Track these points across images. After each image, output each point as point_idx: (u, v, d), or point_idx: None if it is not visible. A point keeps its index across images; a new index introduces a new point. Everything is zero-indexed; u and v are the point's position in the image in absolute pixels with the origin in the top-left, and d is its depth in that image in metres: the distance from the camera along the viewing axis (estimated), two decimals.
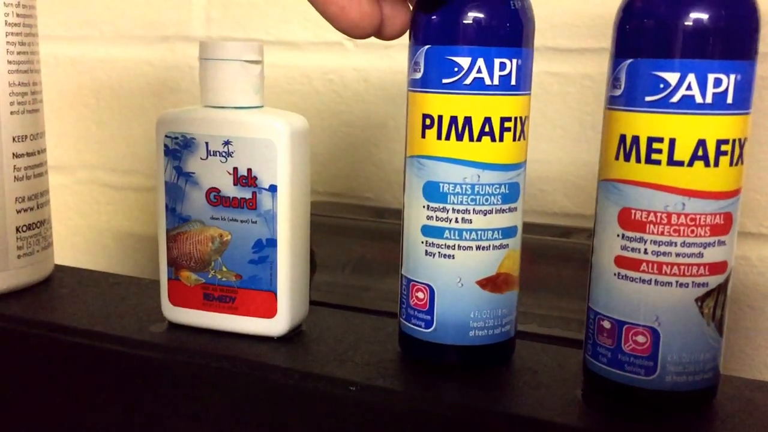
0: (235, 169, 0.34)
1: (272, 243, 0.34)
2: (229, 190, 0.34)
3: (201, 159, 0.34)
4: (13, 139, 0.38)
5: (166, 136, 0.34)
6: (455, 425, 0.30)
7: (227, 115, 0.34)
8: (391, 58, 0.57)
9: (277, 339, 0.35)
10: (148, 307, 0.38)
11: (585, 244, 0.47)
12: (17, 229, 0.38)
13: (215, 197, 0.34)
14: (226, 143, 0.33)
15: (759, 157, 0.48)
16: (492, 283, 0.32)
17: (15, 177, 0.38)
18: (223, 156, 0.33)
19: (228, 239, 0.34)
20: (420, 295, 0.32)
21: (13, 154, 0.38)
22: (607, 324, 0.29)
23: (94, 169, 0.68)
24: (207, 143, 0.34)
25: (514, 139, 0.31)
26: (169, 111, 0.34)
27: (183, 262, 0.35)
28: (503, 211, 0.31)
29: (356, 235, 0.55)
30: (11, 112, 0.37)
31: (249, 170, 0.33)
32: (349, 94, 0.59)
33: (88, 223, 0.69)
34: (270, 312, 0.34)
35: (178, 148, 0.34)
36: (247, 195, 0.34)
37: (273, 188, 0.34)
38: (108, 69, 0.66)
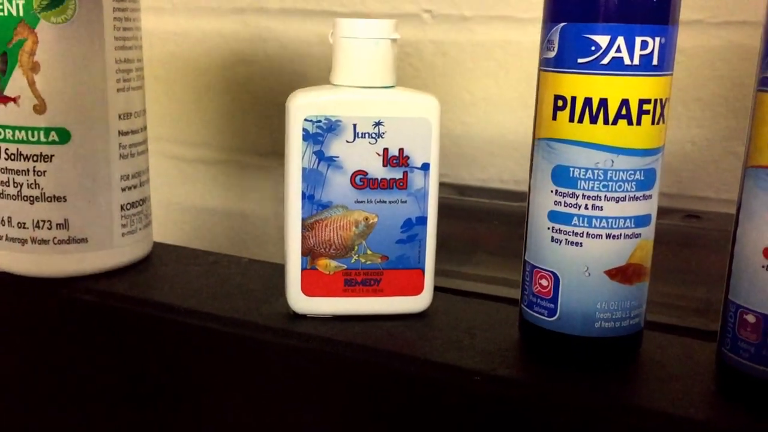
0: (386, 150, 0.33)
1: (422, 221, 0.34)
2: (378, 171, 0.33)
3: (347, 142, 0.33)
4: (119, 117, 0.37)
5: (305, 120, 0.33)
6: (586, 419, 0.29)
7: (375, 96, 0.33)
8: (471, 31, 0.56)
9: (387, 322, 0.34)
10: (254, 289, 0.38)
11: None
12: (122, 207, 0.38)
13: (361, 180, 0.33)
14: (377, 124, 0.33)
15: None
16: (621, 274, 0.30)
17: (120, 155, 0.38)
18: (372, 137, 0.33)
19: (374, 222, 0.33)
20: (544, 282, 0.31)
21: (119, 132, 0.37)
22: (751, 318, 0.28)
23: (164, 142, 0.68)
24: (355, 125, 0.33)
25: (652, 123, 0.30)
26: (302, 93, 0.33)
27: (322, 250, 0.34)
28: (637, 198, 0.30)
29: (440, 214, 0.54)
30: (118, 90, 0.37)
31: (401, 150, 0.33)
32: (427, 68, 0.58)
33: (159, 197, 0.69)
34: (417, 289, 0.35)
35: (320, 132, 0.33)
36: (398, 175, 0.33)
37: (425, 167, 0.34)
38: (179, 41, 0.65)
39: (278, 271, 0.40)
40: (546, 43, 0.30)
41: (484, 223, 0.54)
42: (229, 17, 0.63)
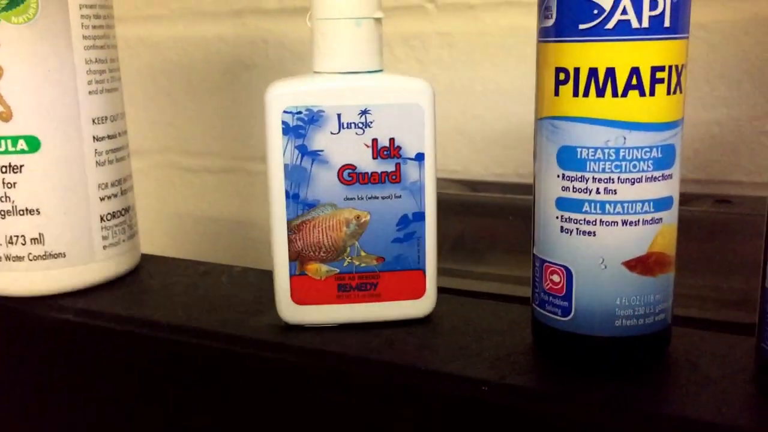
0: (374, 141, 0.30)
1: (419, 217, 0.31)
2: (368, 164, 0.30)
3: (331, 134, 0.30)
4: (93, 121, 0.35)
5: (284, 111, 0.30)
6: (610, 430, 0.25)
7: (360, 81, 0.30)
8: (478, 20, 0.53)
9: (386, 329, 0.31)
10: (245, 299, 0.35)
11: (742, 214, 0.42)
12: (101, 218, 0.36)
13: (350, 175, 0.30)
14: (364, 113, 0.30)
15: None
16: (642, 265, 0.27)
17: (97, 162, 0.35)
18: (359, 127, 0.30)
19: (366, 220, 0.31)
20: (555, 278, 0.28)
21: (94, 137, 0.35)
22: None
23: (168, 152, 0.66)
24: (339, 115, 0.30)
25: (668, 93, 0.26)
26: (281, 82, 0.30)
27: (311, 253, 0.31)
28: (655, 179, 0.27)
29: (452, 211, 0.51)
30: (89, 92, 0.35)
31: (392, 140, 0.30)
32: (433, 61, 0.55)
33: (163, 208, 0.67)
34: (418, 292, 0.32)
35: (301, 125, 0.30)
36: (390, 168, 0.30)
37: (420, 157, 0.30)
38: (179, 48, 0.63)
39: (271, 278, 0.38)
40: (543, 10, 0.27)
41: (499, 219, 0.51)
42: (228, 20, 0.61)
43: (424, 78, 0.31)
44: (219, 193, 0.65)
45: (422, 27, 0.55)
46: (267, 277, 0.38)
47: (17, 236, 0.34)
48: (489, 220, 0.51)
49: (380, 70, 0.31)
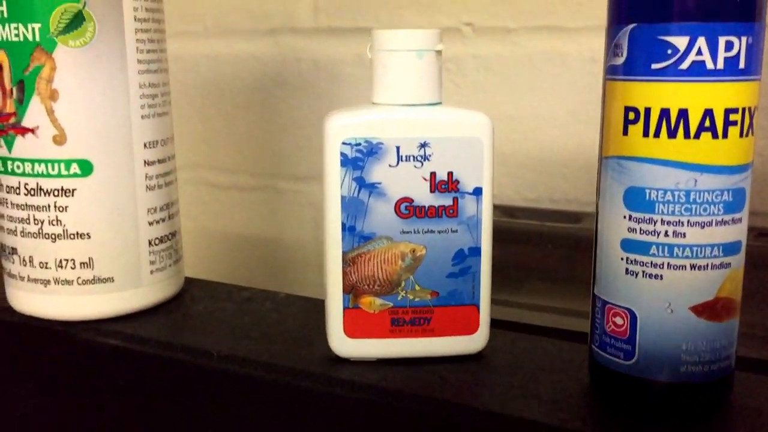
0: (433, 174, 0.30)
1: (475, 252, 0.31)
2: (425, 198, 0.30)
3: (390, 166, 0.30)
4: (145, 146, 0.35)
5: (343, 143, 0.29)
6: None
7: (420, 114, 0.30)
8: (515, 43, 0.53)
9: (439, 365, 0.31)
10: (291, 328, 0.35)
11: None
12: (150, 243, 0.36)
13: (407, 208, 0.30)
14: (423, 145, 0.29)
15: None
16: (710, 310, 0.26)
17: (147, 186, 0.35)
18: (418, 160, 0.30)
19: (422, 254, 0.30)
20: (618, 320, 0.28)
21: (145, 161, 0.35)
22: None
23: (199, 169, 0.66)
24: (398, 147, 0.30)
25: (740, 135, 0.26)
26: (340, 113, 0.30)
27: (365, 286, 0.31)
28: (725, 222, 0.26)
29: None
30: (142, 116, 0.34)
31: (450, 174, 0.30)
32: (469, 84, 0.55)
33: (194, 225, 0.67)
34: (471, 328, 0.31)
35: (359, 156, 0.30)
36: (447, 202, 0.30)
37: (477, 191, 0.30)
38: (212, 65, 0.63)
39: (316, 306, 0.37)
40: (612, 48, 0.27)
41: (537, 247, 0.50)
42: (262, 38, 0.61)
43: (483, 111, 0.31)
44: (247, 209, 0.65)
45: (459, 50, 0.54)
46: (311, 304, 0.38)
47: (67, 260, 0.34)
48: (527, 247, 0.50)
49: (439, 103, 0.31)
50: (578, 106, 0.51)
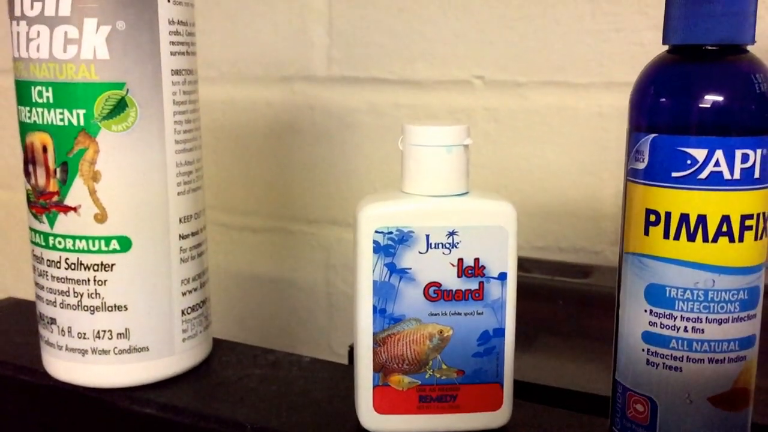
0: (460, 260, 0.31)
1: (500, 333, 0.32)
2: (452, 282, 0.32)
3: (420, 253, 0.31)
4: (180, 220, 0.36)
5: (376, 231, 0.31)
6: None
7: (449, 205, 0.31)
8: (524, 97, 0.54)
9: None
10: (320, 398, 0.36)
11: None
12: (183, 312, 0.37)
13: (435, 292, 0.32)
14: (451, 234, 0.31)
15: None
16: (727, 401, 0.28)
17: (181, 259, 0.37)
18: (446, 247, 0.31)
19: (449, 335, 0.32)
20: (639, 407, 0.29)
21: (180, 235, 0.36)
22: None
23: (212, 210, 0.67)
24: (428, 236, 0.31)
25: (755, 238, 0.27)
26: (371, 203, 0.32)
27: (394, 365, 0.32)
28: (741, 319, 0.28)
29: None
30: (178, 193, 0.36)
31: (476, 260, 0.31)
32: (479, 135, 0.56)
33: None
34: (495, 404, 0.33)
35: (391, 244, 0.31)
36: (473, 286, 0.32)
37: (502, 276, 0.32)
38: (227, 110, 0.65)
39: (341, 373, 0.39)
40: (634, 153, 0.29)
41: (548, 302, 0.52)
42: (277, 85, 0.62)
43: (509, 201, 0.32)
44: (260, 250, 0.66)
45: (469, 101, 0.56)
46: (336, 369, 0.39)
47: (104, 331, 0.35)
48: (537, 303, 0.52)
49: (467, 192, 0.32)
50: (585, 158, 0.53)
